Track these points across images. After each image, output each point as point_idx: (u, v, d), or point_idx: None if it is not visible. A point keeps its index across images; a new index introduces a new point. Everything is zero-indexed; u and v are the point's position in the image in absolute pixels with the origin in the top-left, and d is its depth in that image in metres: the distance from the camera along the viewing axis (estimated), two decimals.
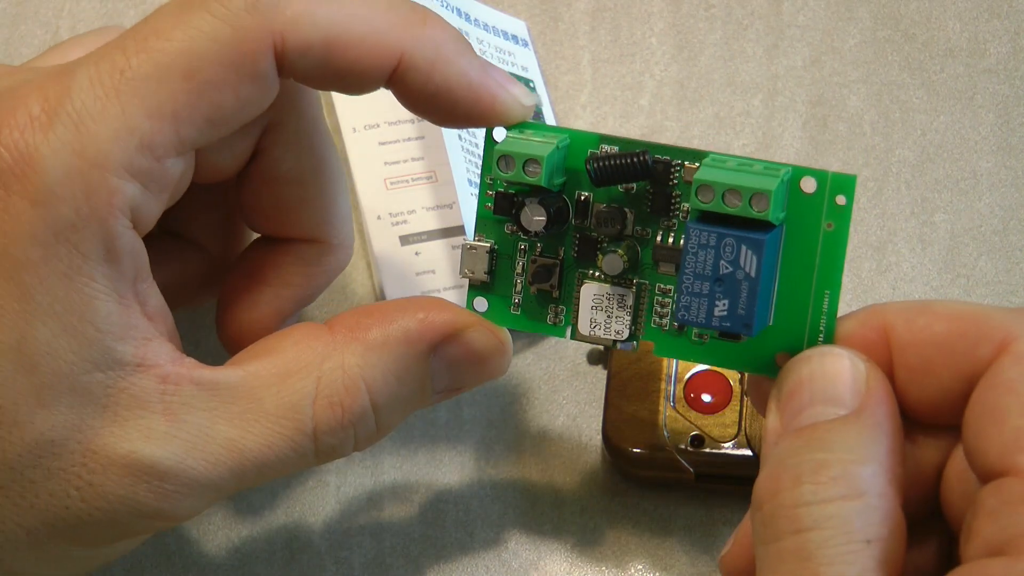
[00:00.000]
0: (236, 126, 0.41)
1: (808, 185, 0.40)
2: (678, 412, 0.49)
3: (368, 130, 0.55)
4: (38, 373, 0.39)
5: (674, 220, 0.41)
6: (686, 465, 0.49)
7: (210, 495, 0.41)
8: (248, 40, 0.39)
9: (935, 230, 0.55)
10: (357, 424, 0.42)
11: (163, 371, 0.40)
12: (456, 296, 0.52)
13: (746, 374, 0.49)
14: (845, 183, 0.39)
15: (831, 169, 0.40)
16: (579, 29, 0.59)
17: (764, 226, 0.39)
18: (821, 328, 0.40)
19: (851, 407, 0.38)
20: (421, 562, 0.49)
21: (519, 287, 0.43)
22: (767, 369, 0.40)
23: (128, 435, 0.39)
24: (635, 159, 0.41)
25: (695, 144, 0.56)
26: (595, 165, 0.41)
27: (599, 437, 0.50)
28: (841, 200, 0.39)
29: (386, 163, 0.55)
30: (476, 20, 0.56)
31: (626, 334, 0.42)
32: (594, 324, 0.42)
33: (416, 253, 0.53)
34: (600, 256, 0.42)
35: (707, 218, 0.39)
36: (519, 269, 0.43)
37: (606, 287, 0.42)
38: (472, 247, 0.43)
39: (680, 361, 0.50)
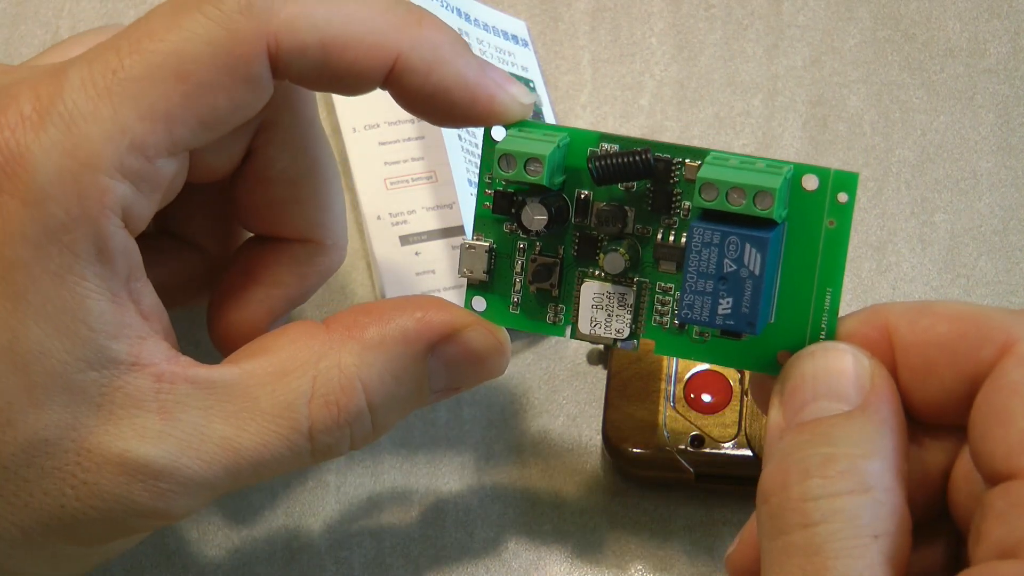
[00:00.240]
0: (229, 128, 0.41)
1: (810, 183, 0.40)
2: (678, 412, 0.49)
3: (368, 130, 0.55)
4: (30, 373, 0.39)
5: (675, 218, 0.41)
6: (686, 465, 0.49)
7: (205, 494, 0.41)
8: (242, 42, 0.39)
9: (935, 230, 0.55)
10: (353, 423, 0.42)
11: (158, 370, 0.40)
12: (456, 296, 0.52)
13: (747, 373, 0.49)
14: (847, 181, 0.39)
15: (833, 167, 0.40)
16: (579, 29, 0.59)
17: (767, 224, 0.39)
18: (823, 326, 0.40)
19: (856, 403, 0.38)
20: (421, 562, 0.49)
21: (518, 286, 0.43)
22: (769, 367, 0.40)
23: (122, 434, 0.39)
24: (637, 157, 0.40)
25: (695, 144, 0.56)
26: (597, 164, 0.41)
27: (599, 437, 0.50)
28: (843, 198, 0.39)
29: (386, 163, 0.55)
30: (476, 20, 0.56)
31: (627, 333, 0.42)
32: (594, 323, 0.42)
33: (416, 253, 0.53)
34: (601, 255, 0.42)
35: (710, 216, 0.39)
36: (518, 268, 0.43)
37: (606, 286, 0.42)
38: (471, 246, 0.43)
39: (680, 361, 0.50)
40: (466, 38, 0.55)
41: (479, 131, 0.51)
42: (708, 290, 0.39)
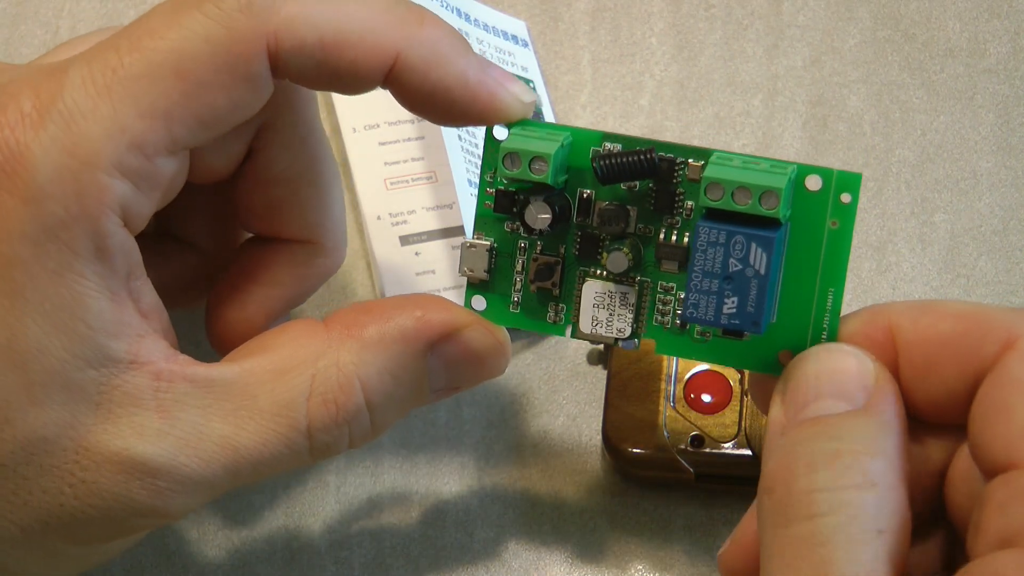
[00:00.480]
0: (229, 127, 0.41)
1: (813, 183, 0.40)
2: (678, 412, 0.49)
3: (368, 130, 0.55)
4: (29, 370, 0.39)
5: (677, 218, 0.41)
6: (686, 465, 0.49)
7: (204, 492, 0.41)
8: (241, 41, 0.39)
9: (935, 230, 0.55)
10: (352, 422, 0.42)
11: (157, 368, 0.40)
12: (456, 296, 0.52)
13: (747, 373, 0.49)
14: (850, 181, 0.39)
15: (834, 168, 0.40)
16: (579, 29, 0.59)
17: (771, 224, 0.39)
18: (824, 326, 0.40)
19: (860, 403, 0.38)
20: (421, 562, 0.49)
21: (519, 285, 0.43)
22: (770, 367, 0.40)
23: (121, 432, 0.39)
24: (641, 156, 0.40)
25: (696, 144, 0.56)
26: (601, 163, 0.41)
27: (599, 437, 0.50)
28: (846, 198, 0.39)
29: (386, 163, 0.55)
30: (476, 20, 0.56)
31: (628, 332, 0.42)
32: (595, 322, 0.42)
33: (416, 253, 0.53)
34: (605, 254, 0.42)
35: (714, 216, 0.39)
36: (519, 268, 0.43)
37: (608, 285, 0.42)
38: (471, 245, 0.43)
39: (680, 361, 0.50)
40: (466, 38, 0.55)
41: (479, 131, 0.51)
42: (713, 289, 0.39)
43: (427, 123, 0.55)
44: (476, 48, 0.55)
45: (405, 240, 0.53)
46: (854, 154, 0.56)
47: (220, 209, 0.47)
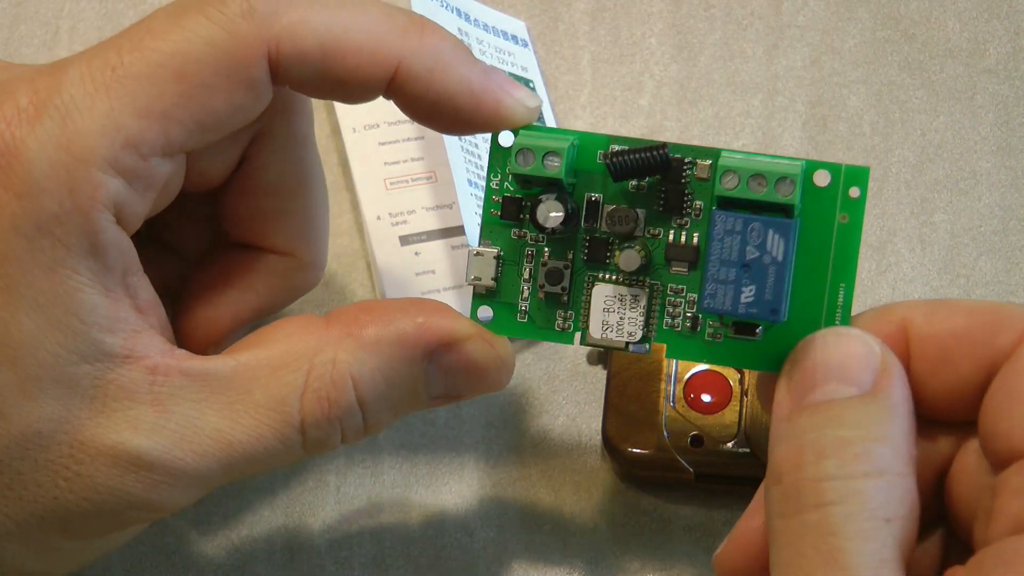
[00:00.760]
0: (226, 131, 0.41)
1: (821, 179, 0.40)
2: (678, 412, 0.49)
3: (368, 130, 0.55)
4: (22, 365, 0.39)
5: (686, 219, 0.41)
6: (686, 465, 0.49)
7: (199, 486, 0.41)
8: (243, 46, 0.39)
9: (935, 230, 0.55)
10: (344, 418, 0.42)
11: (152, 362, 0.40)
12: (455, 296, 0.52)
13: (747, 373, 0.49)
14: (859, 175, 0.40)
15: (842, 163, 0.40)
16: (579, 29, 0.59)
17: (785, 211, 0.39)
18: (836, 322, 0.40)
19: (866, 387, 0.38)
20: (421, 562, 0.49)
21: (526, 294, 0.43)
22: (779, 367, 0.40)
23: (116, 426, 0.39)
24: (655, 152, 0.40)
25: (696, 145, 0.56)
26: (614, 159, 0.41)
27: (599, 437, 0.50)
28: (855, 192, 0.40)
29: (386, 163, 0.55)
30: (476, 20, 0.56)
31: (639, 335, 0.42)
32: (606, 327, 0.42)
33: (416, 253, 0.53)
34: (617, 252, 0.42)
35: (727, 205, 0.39)
36: (526, 275, 0.43)
37: (619, 288, 0.42)
38: (479, 253, 0.43)
39: (680, 361, 0.50)
40: (466, 38, 0.55)
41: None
42: (731, 278, 0.39)
43: None
44: (476, 48, 0.55)
45: (405, 240, 0.53)
46: (854, 154, 0.56)
47: (207, 216, 0.47)
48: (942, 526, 0.40)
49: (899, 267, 0.54)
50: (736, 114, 0.57)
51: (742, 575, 0.40)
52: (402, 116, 0.55)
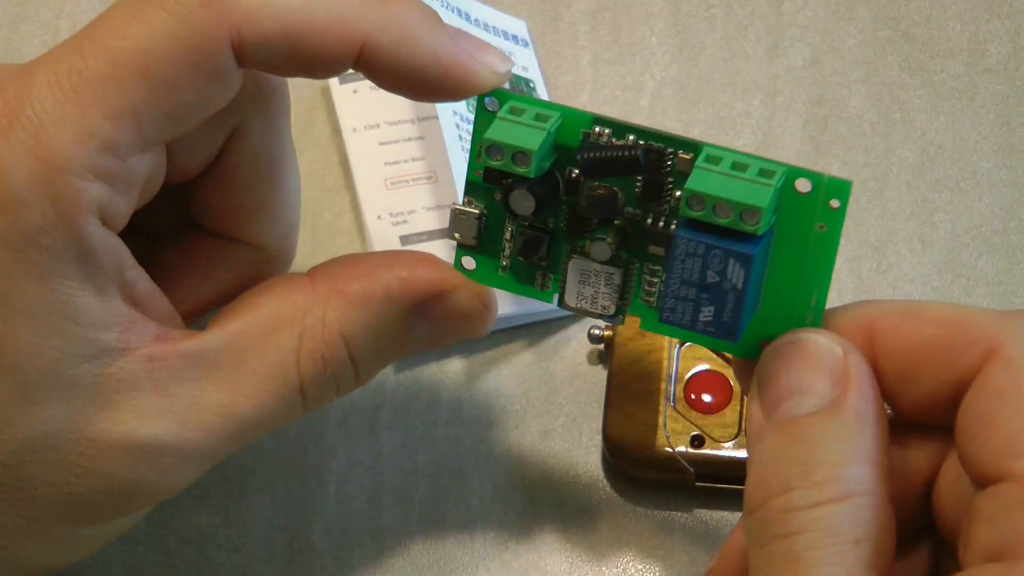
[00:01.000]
0: (199, 120, 0.40)
1: (803, 186, 0.39)
2: (678, 412, 0.49)
3: (368, 130, 0.55)
4: (22, 372, 0.39)
5: (665, 206, 0.41)
6: (686, 465, 0.49)
7: (209, 461, 0.41)
8: (204, 36, 0.39)
9: (935, 230, 0.55)
10: (338, 375, 0.42)
11: (148, 350, 0.40)
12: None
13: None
14: (840, 188, 0.39)
15: (829, 172, 0.39)
16: (579, 29, 0.59)
17: (753, 237, 0.39)
18: (807, 322, 0.40)
19: (830, 397, 0.37)
20: (421, 562, 0.49)
21: (507, 251, 0.43)
22: (753, 354, 0.40)
23: (122, 418, 0.40)
24: (626, 153, 0.40)
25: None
26: (585, 156, 0.40)
27: (599, 437, 0.50)
28: (835, 204, 0.39)
29: (386, 163, 0.55)
30: (476, 20, 0.56)
31: (613, 310, 0.42)
32: (581, 297, 0.42)
33: None
34: (588, 242, 0.41)
35: (695, 224, 0.39)
36: (507, 236, 0.43)
37: (595, 264, 0.42)
38: (461, 212, 0.43)
39: (680, 361, 0.50)
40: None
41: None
42: (690, 297, 0.39)
43: (428, 123, 0.55)
44: None
45: (405, 240, 0.53)
46: (854, 154, 0.56)
47: (178, 202, 0.46)
48: (930, 535, 0.40)
49: (899, 267, 0.54)
50: (736, 114, 0.57)
51: None
52: (403, 116, 0.55)
